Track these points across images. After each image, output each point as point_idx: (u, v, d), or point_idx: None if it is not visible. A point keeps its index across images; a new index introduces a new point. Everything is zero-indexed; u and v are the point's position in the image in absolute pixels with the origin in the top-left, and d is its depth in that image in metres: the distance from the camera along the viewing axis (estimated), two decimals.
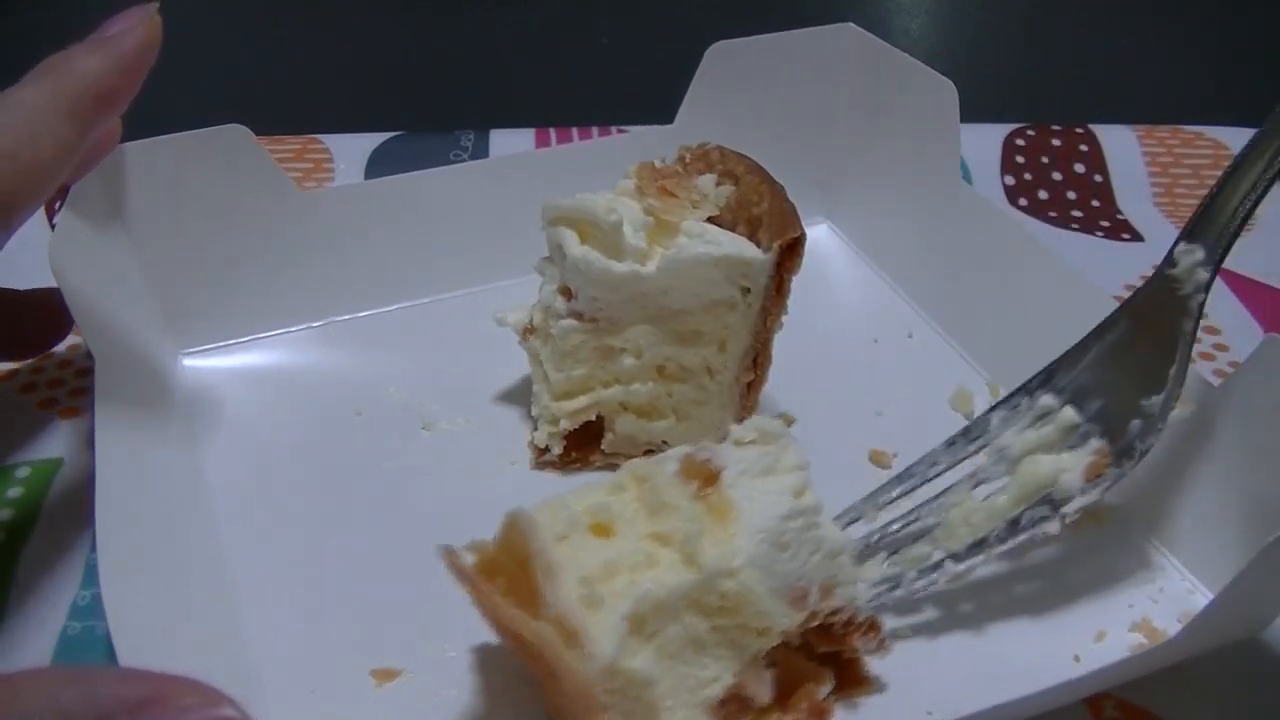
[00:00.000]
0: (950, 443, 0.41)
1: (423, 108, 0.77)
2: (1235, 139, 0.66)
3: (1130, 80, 0.84)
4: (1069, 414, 0.39)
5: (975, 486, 0.40)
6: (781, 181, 0.43)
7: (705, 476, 0.33)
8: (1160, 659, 0.35)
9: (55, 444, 0.46)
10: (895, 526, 0.40)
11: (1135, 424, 0.38)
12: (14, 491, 0.43)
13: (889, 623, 0.39)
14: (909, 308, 0.54)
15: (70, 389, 0.48)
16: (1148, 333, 0.39)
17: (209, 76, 0.78)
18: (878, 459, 0.46)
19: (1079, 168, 0.65)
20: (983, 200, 0.53)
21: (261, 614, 0.39)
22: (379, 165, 0.64)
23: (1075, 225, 0.62)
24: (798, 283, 0.42)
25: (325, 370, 0.50)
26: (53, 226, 0.41)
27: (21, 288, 0.46)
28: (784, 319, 0.42)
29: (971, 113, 0.51)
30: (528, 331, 0.45)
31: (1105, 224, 0.62)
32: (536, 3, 0.94)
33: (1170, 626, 0.39)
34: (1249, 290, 0.57)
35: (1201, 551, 0.40)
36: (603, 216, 0.41)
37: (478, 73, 0.81)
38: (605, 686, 0.30)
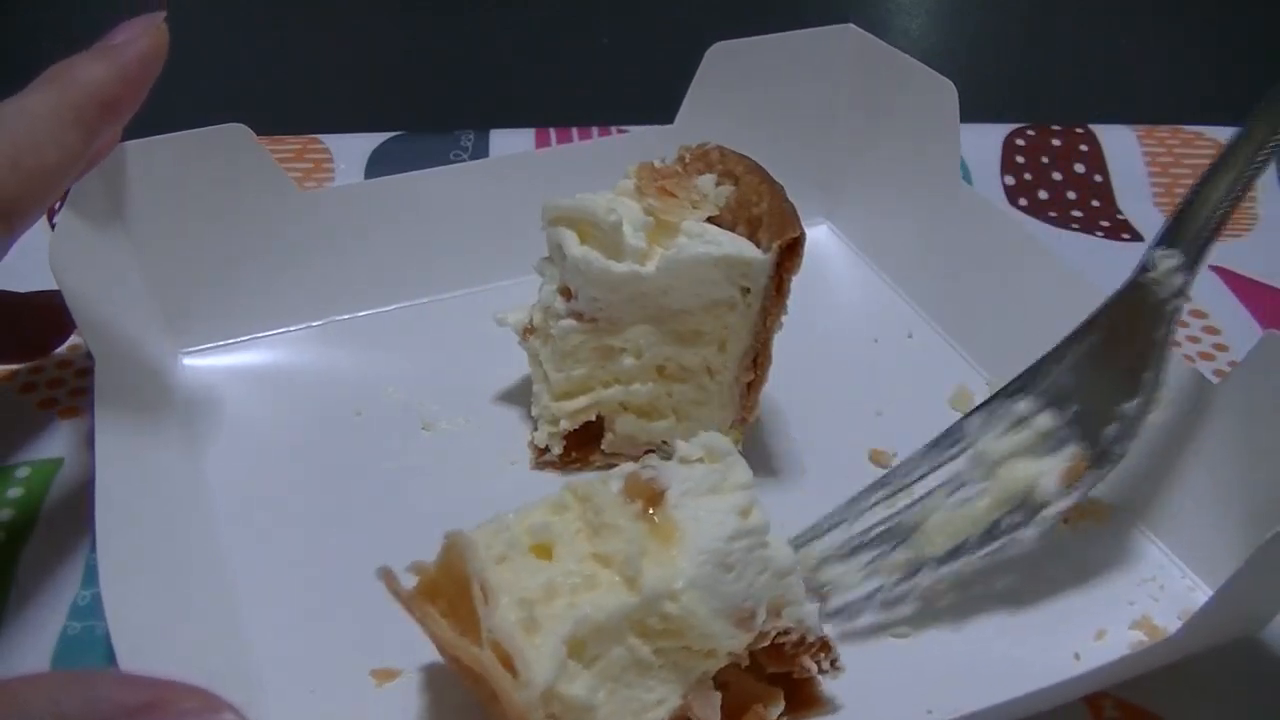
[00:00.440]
0: (929, 448, 0.41)
1: (423, 108, 0.77)
2: None
3: (1130, 80, 0.84)
4: (1046, 419, 0.39)
5: (954, 492, 0.40)
6: (781, 181, 0.43)
7: (649, 496, 0.33)
8: (1160, 656, 0.35)
9: (55, 444, 0.46)
10: (875, 532, 0.40)
11: (1112, 428, 0.38)
12: (14, 491, 0.43)
13: (885, 620, 0.39)
14: (909, 308, 0.54)
15: (70, 389, 0.48)
16: (1125, 337, 0.39)
17: (209, 76, 0.78)
18: (878, 459, 0.46)
19: (1079, 168, 0.65)
20: (983, 200, 0.53)
21: (261, 614, 0.39)
22: (379, 165, 0.64)
23: (1075, 225, 0.62)
24: (798, 283, 0.42)
25: (325, 370, 0.50)
26: (53, 226, 0.41)
27: (22, 289, 0.46)
28: (784, 319, 0.42)
29: (971, 113, 0.51)
30: (528, 331, 0.45)
31: (1105, 224, 0.62)
32: (536, 3, 0.94)
33: (1170, 624, 0.39)
34: (1249, 290, 0.57)
35: (1202, 549, 0.40)
36: (602, 217, 0.41)
37: (478, 73, 0.81)
38: (544, 712, 0.29)
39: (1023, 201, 0.63)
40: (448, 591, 0.31)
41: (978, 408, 0.41)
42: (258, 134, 0.48)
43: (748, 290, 0.42)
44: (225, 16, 0.91)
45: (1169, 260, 0.38)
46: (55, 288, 0.39)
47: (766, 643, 0.33)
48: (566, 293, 0.43)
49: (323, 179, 0.63)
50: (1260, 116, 0.38)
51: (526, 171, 0.53)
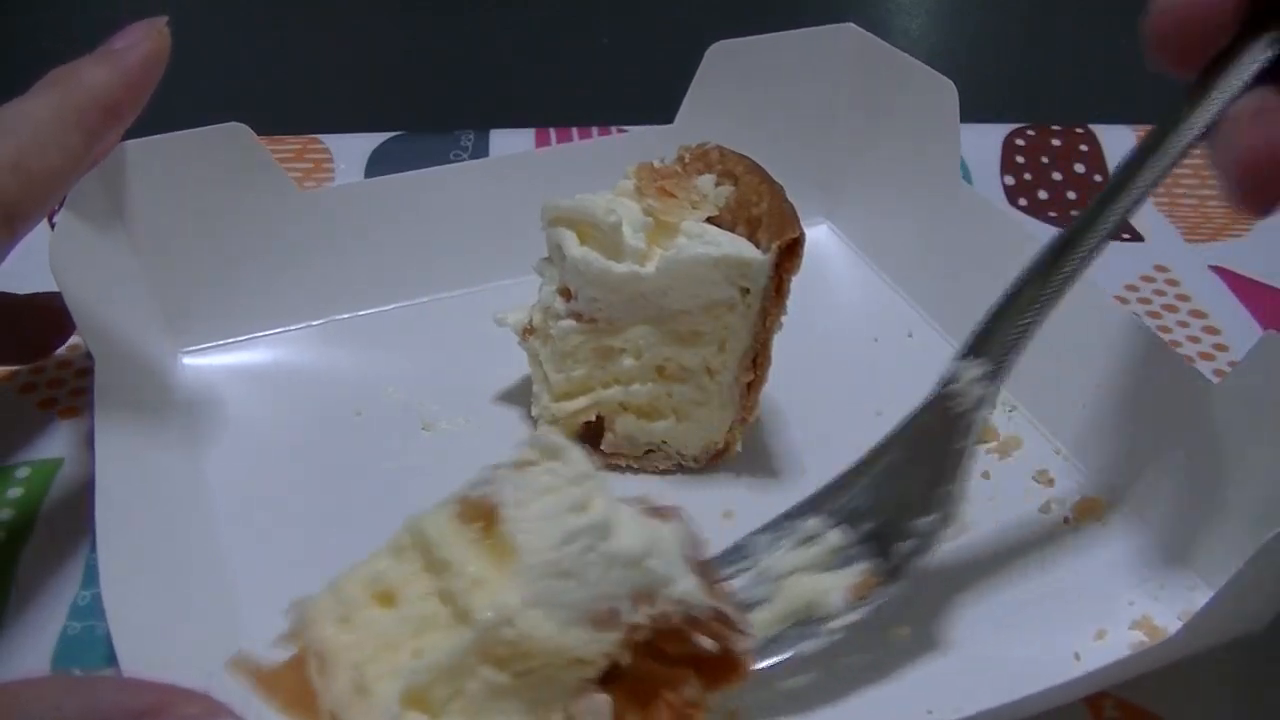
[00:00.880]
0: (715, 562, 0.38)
1: (423, 108, 0.77)
2: None
3: (1130, 80, 0.83)
4: (837, 535, 0.37)
5: None
6: (781, 181, 0.43)
7: (484, 514, 0.30)
8: (1161, 657, 0.35)
9: (55, 444, 0.46)
10: None
11: (907, 544, 0.36)
12: (14, 491, 0.43)
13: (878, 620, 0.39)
14: (909, 307, 0.54)
15: (70, 389, 0.48)
16: (923, 452, 0.37)
17: (209, 76, 0.78)
18: None
19: (1079, 168, 0.65)
20: (983, 200, 0.53)
21: (261, 614, 0.39)
22: (379, 165, 0.64)
23: None
24: (798, 283, 0.42)
25: (325, 370, 0.50)
26: (53, 226, 0.41)
27: (22, 289, 0.46)
28: (784, 319, 0.42)
29: (971, 113, 0.51)
30: (527, 332, 0.45)
31: None
32: (536, 3, 0.94)
33: (1171, 624, 0.39)
34: (1249, 290, 0.57)
35: (1201, 549, 0.40)
36: (602, 217, 0.41)
37: (478, 73, 0.81)
38: None
39: (1023, 201, 0.63)
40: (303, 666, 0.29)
41: (764, 527, 0.39)
42: (258, 134, 0.48)
43: (747, 291, 0.42)
44: (225, 16, 0.91)
45: (972, 371, 0.37)
46: (55, 288, 0.39)
47: (646, 633, 0.30)
48: (566, 293, 0.43)
49: (323, 179, 0.63)
50: (1080, 225, 0.37)
51: (526, 171, 0.53)
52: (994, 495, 0.44)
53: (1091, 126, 0.67)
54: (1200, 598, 0.40)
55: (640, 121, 0.60)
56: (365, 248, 0.52)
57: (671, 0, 0.94)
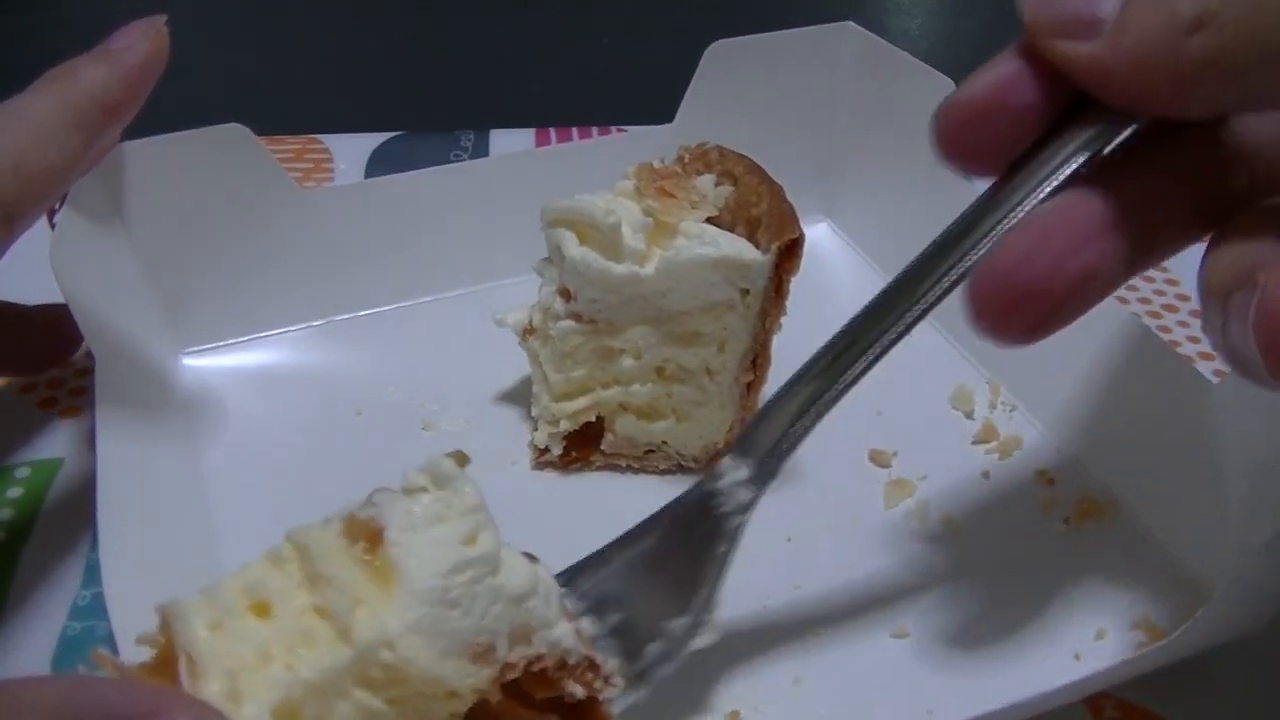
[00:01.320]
0: None
1: (423, 108, 0.77)
2: None
3: None
4: (586, 624, 0.34)
5: None
6: (781, 181, 0.43)
7: (369, 535, 0.30)
8: (1161, 657, 0.35)
9: (55, 444, 0.46)
10: None
11: (656, 646, 0.34)
12: (14, 491, 0.43)
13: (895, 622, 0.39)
14: None
15: (70, 389, 0.49)
16: (681, 547, 0.34)
17: (209, 76, 0.78)
18: (877, 459, 0.46)
19: None
20: None
21: None
22: (379, 165, 0.64)
23: None
24: (798, 283, 0.42)
25: (325, 370, 0.50)
26: (53, 227, 0.41)
27: (20, 289, 0.46)
28: (783, 319, 0.42)
29: None
30: (527, 332, 0.45)
31: None
32: (536, 3, 0.94)
33: (1171, 624, 0.39)
34: None
35: (1202, 549, 0.40)
36: (601, 218, 0.41)
37: (478, 73, 0.81)
38: None
39: None
40: (173, 669, 0.28)
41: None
42: (258, 134, 0.48)
43: (747, 291, 0.42)
44: (225, 16, 0.91)
45: (737, 473, 0.34)
46: (56, 290, 0.39)
47: (517, 673, 0.30)
48: (566, 294, 0.43)
49: (323, 179, 0.63)
50: (851, 330, 0.35)
51: (526, 171, 0.53)
52: (994, 495, 0.44)
53: None
54: (1200, 598, 0.40)
55: (640, 121, 0.60)
56: (365, 248, 0.52)
57: (671, 0, 0.94)
